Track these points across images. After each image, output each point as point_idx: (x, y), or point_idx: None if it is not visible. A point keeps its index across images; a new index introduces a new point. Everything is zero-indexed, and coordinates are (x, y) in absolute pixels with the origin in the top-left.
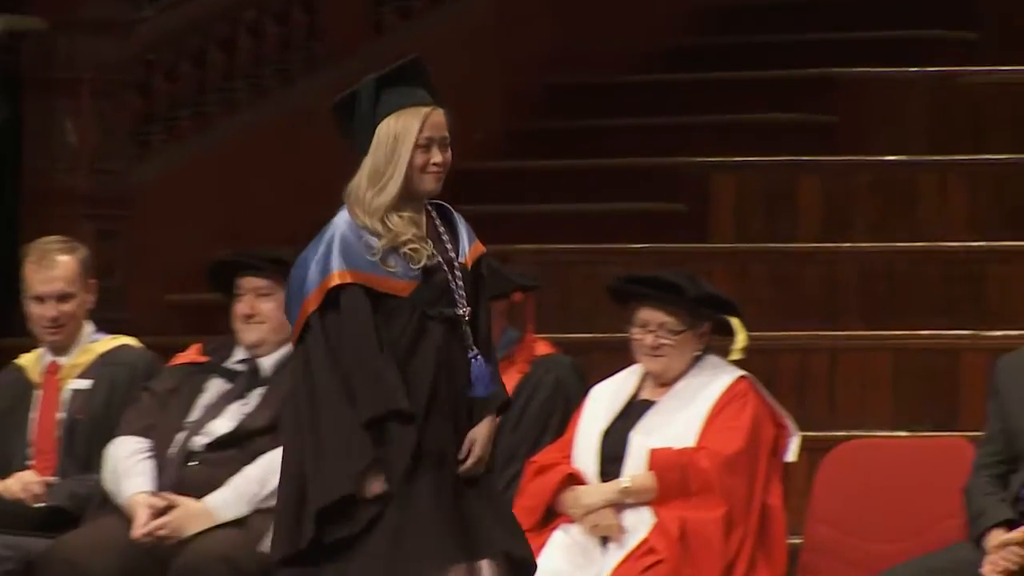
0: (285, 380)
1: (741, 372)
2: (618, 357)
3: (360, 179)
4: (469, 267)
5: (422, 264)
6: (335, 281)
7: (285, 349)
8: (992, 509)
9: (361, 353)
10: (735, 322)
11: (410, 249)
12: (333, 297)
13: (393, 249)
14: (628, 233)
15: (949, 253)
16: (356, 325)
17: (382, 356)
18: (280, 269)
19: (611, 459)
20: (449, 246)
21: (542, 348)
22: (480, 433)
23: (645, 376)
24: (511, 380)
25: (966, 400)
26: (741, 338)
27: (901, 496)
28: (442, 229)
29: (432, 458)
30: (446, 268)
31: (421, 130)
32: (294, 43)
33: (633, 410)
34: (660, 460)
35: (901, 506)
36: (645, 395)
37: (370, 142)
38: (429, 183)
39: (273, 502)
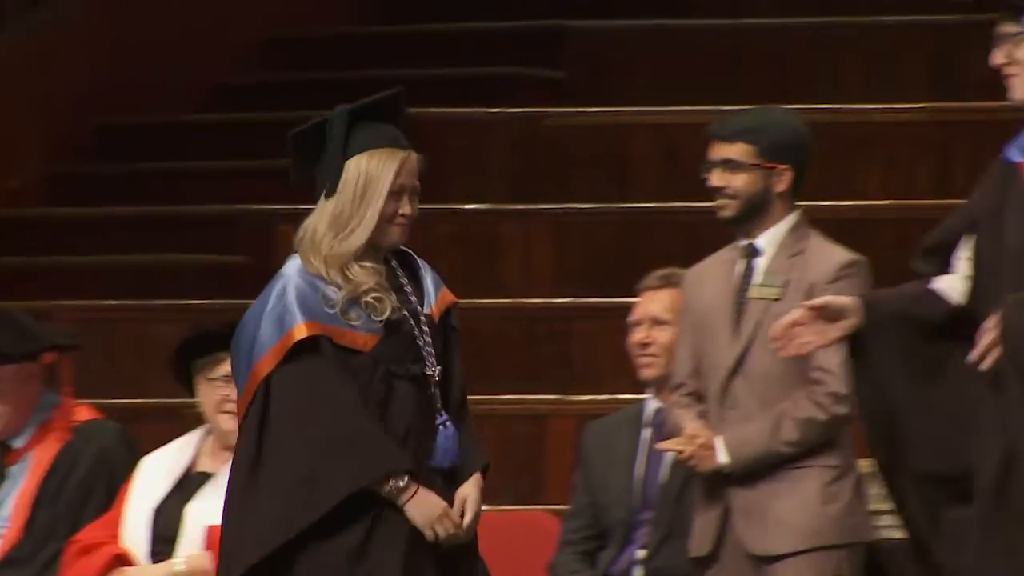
0: None
1: None
2: (172, 425)
3: (317, 223)
4: (437, 318)
5: (386, 316)
6: (300, 334)
7: None
8: None
9: (342, 411)
10: None
11: (373, 298)
12: (295, 354)
13: (353, 300)
14: (184, 287)
15: (533, 310)
16: (331, 381)
17: (366, 413)
18: None
19: (164, 538)
20: (413, 297)
21: (84, 414)
22: (471, 491)
23: (203, 446)
24: (49, 449)
25: (551, 470)
26: None
27: None
28: (404, 280)
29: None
30: (411, 321)
31: (397, 175)
32: None
33: (189, 483)
34: (218, 538)
35: None
36: (202, 467)
37: (336, 182)
38: (394, 235)
39: None
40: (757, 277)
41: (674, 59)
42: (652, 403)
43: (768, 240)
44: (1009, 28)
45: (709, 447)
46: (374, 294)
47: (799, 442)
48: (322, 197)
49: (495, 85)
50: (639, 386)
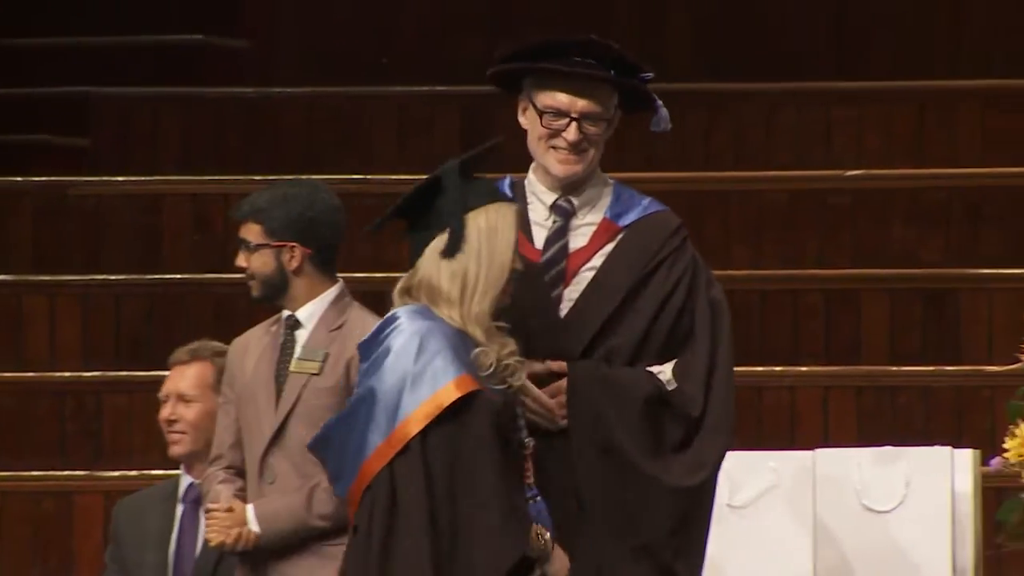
0: None
1: None
2: None
3: (436, 278)
4: None
5: (521, 381)
6: (464, 388)
7: None
8: None
9: (491, 477)
10: None
11: (516, 361)
12: (453, 410)
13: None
14: None
15: (60, 385)
16: (490, 446)
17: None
18: None
19: None
20: None
21: None
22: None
23: None
24: None
25: (81, 548)
26: None
27: None
28: None
29: None
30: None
31: (517, 231)
32: None
33: None
34: None
35: None
36: None
37: (459, 240)
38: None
39: None
40: (297, 350)
41: (203, 127)
42: (185, 479)
43: (308, 313)
44: None
45: (242, 520)
46: (516, 357)
47: (333, 515)
48: (436, 253)
49: (19, 152)
50: (171, 461)
